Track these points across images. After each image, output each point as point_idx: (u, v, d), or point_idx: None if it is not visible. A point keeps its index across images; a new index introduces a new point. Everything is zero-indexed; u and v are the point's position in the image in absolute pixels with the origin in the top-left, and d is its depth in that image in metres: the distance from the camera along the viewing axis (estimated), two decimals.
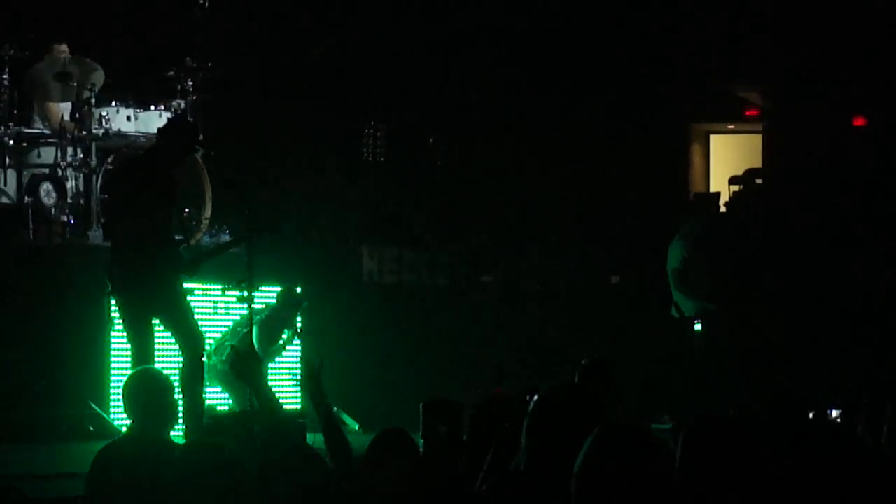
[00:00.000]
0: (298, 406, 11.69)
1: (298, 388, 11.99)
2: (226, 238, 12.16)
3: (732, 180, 19.93)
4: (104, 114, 12.55)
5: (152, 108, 12.82)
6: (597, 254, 15.48)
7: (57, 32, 13.04)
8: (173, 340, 10.00)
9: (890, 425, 5.60)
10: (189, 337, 9.84)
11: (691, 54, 17.17)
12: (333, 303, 12.93)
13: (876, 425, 5.71)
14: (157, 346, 9.90)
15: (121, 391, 6.63)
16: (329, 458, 5.70)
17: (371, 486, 5.12)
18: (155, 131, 10.89)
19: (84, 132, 12.46)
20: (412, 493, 5.04)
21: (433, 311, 14.08)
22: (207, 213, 12.36)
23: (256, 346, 10.64)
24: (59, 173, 12.41)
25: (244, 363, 6.31)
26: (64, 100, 12.69)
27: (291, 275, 12.20)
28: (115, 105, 12.70)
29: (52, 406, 11.01)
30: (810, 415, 6.30)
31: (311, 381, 5.90)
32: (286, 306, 11.75)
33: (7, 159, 12.47)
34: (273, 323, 11.68)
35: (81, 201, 12.48)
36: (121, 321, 9.96)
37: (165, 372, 10.33)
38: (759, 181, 19.21)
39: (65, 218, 12.32)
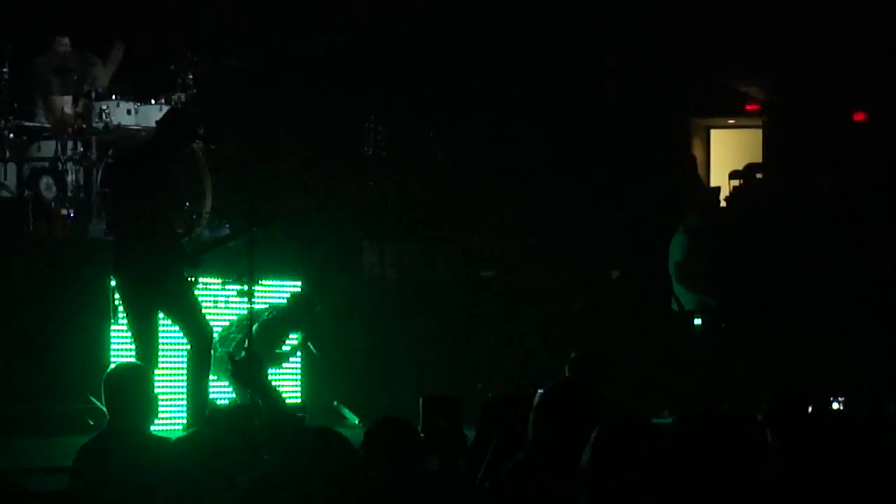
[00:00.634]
0: (298, 400, 11.71)
1: (300, 385, 12.01)
2: (226, 232, 12.15)
3: (733, 175, 19.94)
4: (104, 107, 12.54)
5: (153, 101, 12.81)
6: (597, 248, 15.47)
7: (58, 26, 13.04)
8: (180, 333, 10.01)
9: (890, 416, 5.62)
10: (196, 329, 9.84)
11: (692, 49, 17.17)
12: (334, 297, 12.92)
13: (876, 417, 5.72)
14: (161, 339, 9.91)
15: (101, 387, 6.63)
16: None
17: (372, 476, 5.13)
18: (155, 125, 10.88)
19: (84, 126, 12.46)
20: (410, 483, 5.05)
21: (433, 306, 14.07)
22: (208, 206, 12.36)
23: (255, 345, 10.62)
24: (60, 167, 12.40)
25: (245, 370, 6.39)
26: (65, 94, 12.69)
27: (293, 269, 12.18)
28: (116, 99, 12.70)
29: (53, 400, 11.00)
30: (810, 408, 6.30)
31: None
32: (297, 309, 11.57)
33: (7, 153, 12.47)
34: (279, 324, 11.53)
35: (82, 195, 12.47)
36: (125, 315, 9.96)
37: (172, 365, 10.45)
38: (759, 176, 19.23)
39: (65, 212, 12.32)
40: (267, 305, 11.47)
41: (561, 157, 16.41)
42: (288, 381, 11.96)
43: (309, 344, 11.61)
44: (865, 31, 16.05)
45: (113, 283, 10.07)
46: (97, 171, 12.37)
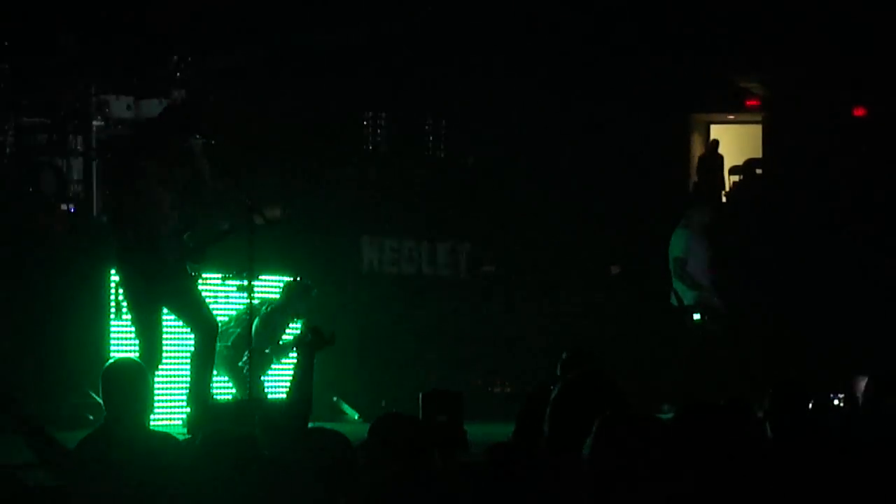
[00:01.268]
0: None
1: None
2: (226, 227, 12.13)
3: (733, 170, 19.96)
4: (105, 102, 12.55)
5: (152, 97, 12.82)
6: (597, 243, 15.48)
7: (59, 22, 13.04)
8: (183, 327, 10.01)
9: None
10: (200, 322, 9.83)
11: (692, 45, 17.17)
12: (333, 292, 12.91)
13: (876, 412, 5.73)
14: (165, 333, 9.90)
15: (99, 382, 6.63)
16: None
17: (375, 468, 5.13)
18: (155, 120, 10.89)
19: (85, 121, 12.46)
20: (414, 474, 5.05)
21: (433, 301, 14.07)
22: (207, 201, 12.34)
23: (255, 338, 10.61)
24: (60, 161, 12.40)
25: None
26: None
27: (292, 264, 12.18)
28: (115, 94, 12.70)
29: (52, 394, 11.00)
30: (810, 404, 6.30)
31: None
32: (293, 298, 11.54)
33: (7, 148, 12.46)
34: (278, 315, 11.51)
35: (82, 189, 12.47)
36: (128, 310, 9.96)
37: (173, 359, 10.45)
38: (759, 171, 19.24)
39: (65, 206, 12.31)
40: (262, 299, 11.43)
41: (562, 153, 16.41)
42: (287, 376, 11.92)
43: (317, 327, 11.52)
44: (865, 26, 16.05)
45: (115, 278, 10.05)
46: (97, 166, 12.36)
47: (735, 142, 20.62)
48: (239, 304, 11.16)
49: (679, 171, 19.28)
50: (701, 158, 20.04)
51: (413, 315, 13.79)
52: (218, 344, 10.55)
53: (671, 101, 17.85)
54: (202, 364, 9.79)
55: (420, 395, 7.99)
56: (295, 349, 6.87)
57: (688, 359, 12.77)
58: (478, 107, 16.02)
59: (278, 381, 11.32)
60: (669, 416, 8.42)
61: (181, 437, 7.21)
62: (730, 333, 12.89)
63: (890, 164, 15.67)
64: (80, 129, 12.48)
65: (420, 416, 7.61)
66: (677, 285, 12.92)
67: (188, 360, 9.99)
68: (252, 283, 10.18)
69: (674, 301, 12.99)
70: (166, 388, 10.44)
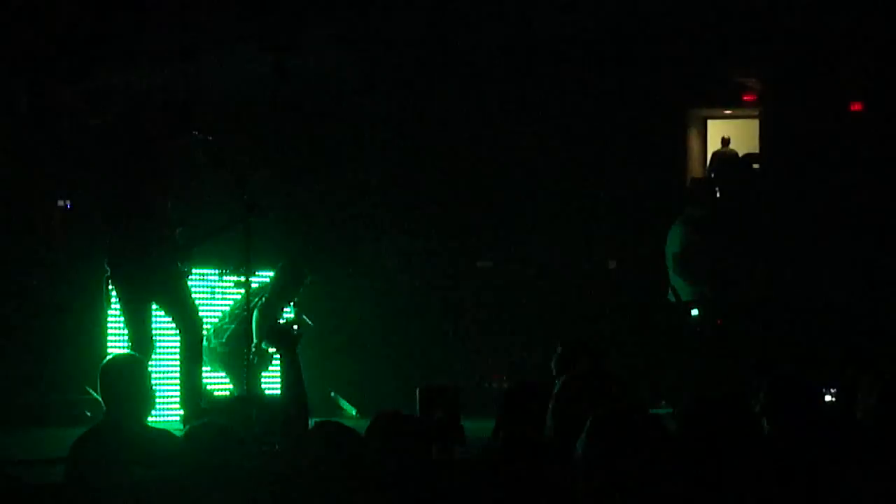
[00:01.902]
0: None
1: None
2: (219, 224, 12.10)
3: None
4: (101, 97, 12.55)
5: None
6: (594, 238, 15.47)
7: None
8: (173, 324, 10.00)
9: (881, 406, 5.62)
10: (187, 321, 9.84)
11: (688, 39, 17.14)
12: (332, 288, 12.91)
13: (870, 408, 5.72)
14: (155, 331, 9.90)
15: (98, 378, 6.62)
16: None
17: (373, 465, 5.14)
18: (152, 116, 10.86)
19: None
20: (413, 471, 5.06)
21: (431, 296, 14.07)
22: (203, 197, 12.33)
23: (255, 331, 10.59)
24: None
25: (280, 338, 6.45)
26: None
27: (287, 260, 12.16)
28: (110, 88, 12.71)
29: (49, 391, 11.00)
30: (807, 399, 6.29)
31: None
32: (288, 282, 11.43)
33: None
34: (274, 303, 11.43)
35: (77, 186, 12.48)
36: (119, 306, 9.96)
37: (166, 356, 10.44)
38: (756, 166, 19.22)
39: (61, 202, 12.31)
40: (256, 286, 11.29)
41: (558, 148, 16.39)
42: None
43: (304, 317, 11.50)
44: (862, 20, 16.03)
45: (107, 273, 10.05)
46: (92, 162, 12.36)
47: (732, 137, 20.63)
48: (235, 299, 11.15)
49: (676, 166, 19.26)
50: (715, 154, 20.13)
51: (410, 310, 13.79)
52: (213, 341, 10.55)
53: (667, 96, 17.83)
54: (191, 361, 9.79)
55: (417, 391, 7.99)
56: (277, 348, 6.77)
57: (685, 354, 12.77)
58: (474, 102, 16.02)
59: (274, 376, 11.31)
60: (667, 411, 8.42)
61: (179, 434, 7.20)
62: (727, 329, 12.89)
63: (887, 158, 15.66)
64: (75, 125, 12.49)
65: (417, 412, 7.61)
66: (675, 280, 12.92)
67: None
68: (249, 279, 10.18)
69: (671, 296, 12.99)
70: (160, 385, 10.44)
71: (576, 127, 16.58)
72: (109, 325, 10.78)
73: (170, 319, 10.04)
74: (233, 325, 10.98)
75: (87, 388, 10.45)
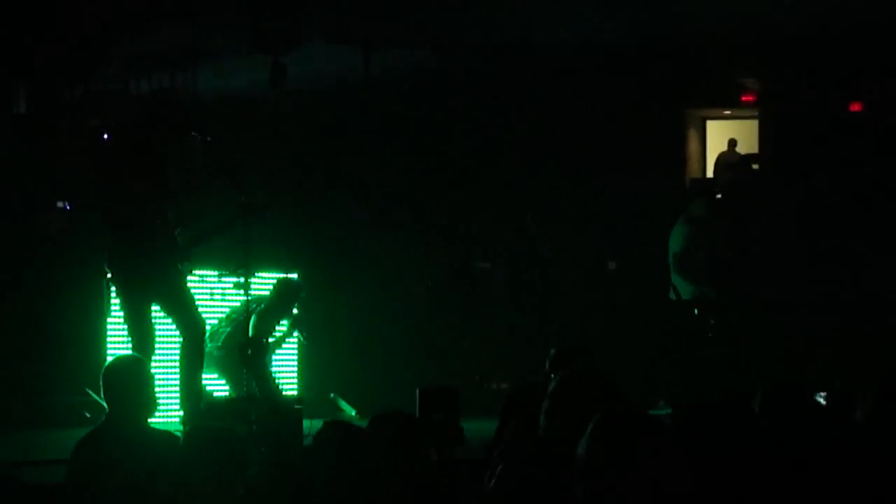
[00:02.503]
0: (296, 392, 11.70)
1: (297, 377, 11.99)
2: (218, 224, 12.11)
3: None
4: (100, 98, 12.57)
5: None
6: (594, 239, 15.47)
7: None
8: (173, 326, 10.00)
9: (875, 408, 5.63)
10: (188, 322, 9.83)
11: (688, 39, 17.15)
12: (332, 289, 12.92)
13: (868, 409, 5.73)
14: (156, 333, 9.89)
15: (100, 379, 6.61)
16: None
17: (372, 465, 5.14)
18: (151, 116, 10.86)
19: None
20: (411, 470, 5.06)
21: (431, 297, 14.08)
22: (202, 197, 12.33)
23: (252, 335, 10.60)
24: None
25: (248, 352, 6.41)
26: None
27: (290, 261, 12.17)
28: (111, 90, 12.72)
29: (49, 393, 11.00)
30: (804, 400, 6.30)
31: None
32: (284, 296, 11.53)
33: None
34: (270, 314, 11.51)
35: (77, 187, 12.47)
36: (120, 308, 9.96)
37: (167, 358, 10.44)
38: (755, 166, 19.23)
39: (61, 204, 12.32)
40: (254, 296, 11.36)
41: (558, 149, 16.40)
42: (285, 373, 11.96)
43: (296, 332, 11.53)
44: (861, 21, 16.03)
45: (108, 275, 10.05)
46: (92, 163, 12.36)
47: (731, 137, 20.64)
48: (234, 301, 11.15)
49: (676, 166, 19.27)
50: (720, 156, 20.14)
51: (410, 311, 13.80)
52: (209, 344, 10.55)
53: (667, 97, 17.84)
54: (192, 363, 9.78)
55: (417, 392, 8.01)
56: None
57: (685, 354, 12.78)
58: (475, 102, 16.03)
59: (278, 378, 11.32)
60: (666, 412, 8.42)
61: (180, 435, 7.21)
62: (727, 328, 12.90)
63: (886, 158, 15.67)
64: (76, 126, 12.50)
65: (417, 413, 7.62)
66: (676, 280, 12.93)
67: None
68: (248, 280, 10.18)
69: (672, 296, 13.00)
70: (161, 387, 10.44)
71: (576, 127, 16.59)
72: (109, 326, 10.78)
73: (170, 320, 10.03)
74: (229, 329, 10.98)
75: (87, 390, 10.46)
